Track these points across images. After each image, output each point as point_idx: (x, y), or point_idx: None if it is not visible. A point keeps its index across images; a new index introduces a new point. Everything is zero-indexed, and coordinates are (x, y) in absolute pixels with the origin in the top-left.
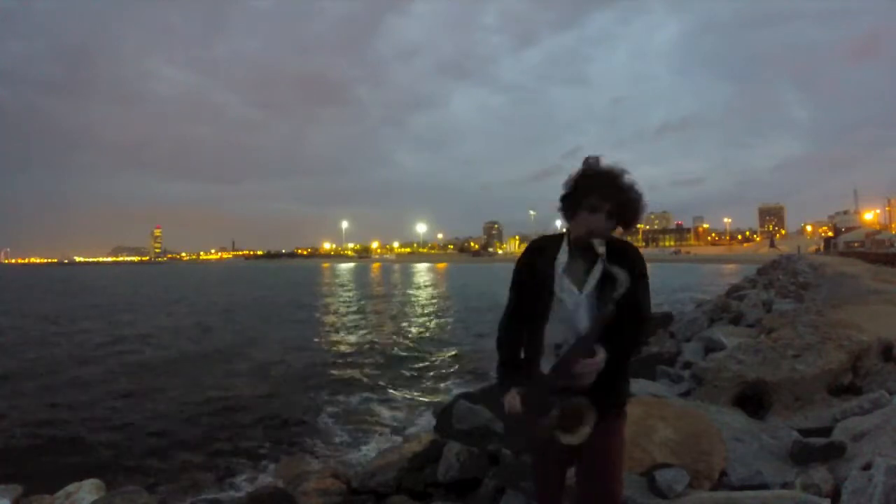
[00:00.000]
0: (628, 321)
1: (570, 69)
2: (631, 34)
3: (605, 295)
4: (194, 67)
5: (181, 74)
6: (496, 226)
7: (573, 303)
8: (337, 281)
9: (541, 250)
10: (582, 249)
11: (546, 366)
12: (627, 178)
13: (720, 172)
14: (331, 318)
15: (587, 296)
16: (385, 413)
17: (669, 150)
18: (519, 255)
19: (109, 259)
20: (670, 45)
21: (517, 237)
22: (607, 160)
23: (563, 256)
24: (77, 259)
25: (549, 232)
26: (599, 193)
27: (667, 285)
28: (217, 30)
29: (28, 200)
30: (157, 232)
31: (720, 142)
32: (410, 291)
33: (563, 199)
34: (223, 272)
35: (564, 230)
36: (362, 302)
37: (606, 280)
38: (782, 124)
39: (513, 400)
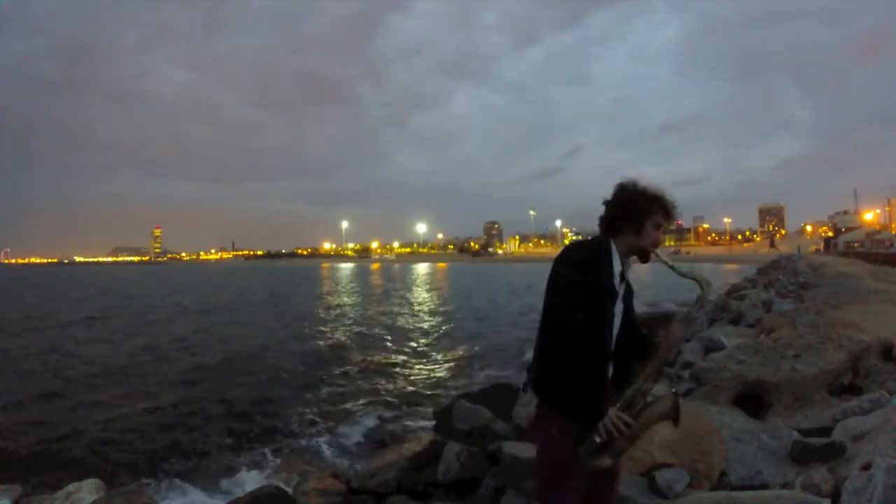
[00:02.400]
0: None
1: (571, 68)
2: (632, 33)
3: (628, 298)
4: (194, 66)
5: (181, 73)
6: (496, 226)
7: (616, 309)
8: (337, 281)
9: (600, 263)
10: (625, 260)
11: (609, 369)
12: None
13: (721, 172)
14: (330, 320)
15: (622, 301)
16: (385, 413)
17: (671, 150)
18: (519, 255)
19: (109, 259)
20: (672, 44)
21: (517, 237)
22: (644, 181)
23: (618, 267)
24: (77, 259)
25: (550, 232)
26: (664, 213)
27: (666, 285)
28: (217, 28)
29: (28, 200)
30: (157, 232)
31: (722, 141)
32: (410, 292)
33: (625, 214)
34: (223, 273)
35: (604, 240)
36: (362, 303)
37: (628, 286)
38: (783, 124)
39: (618, 415)
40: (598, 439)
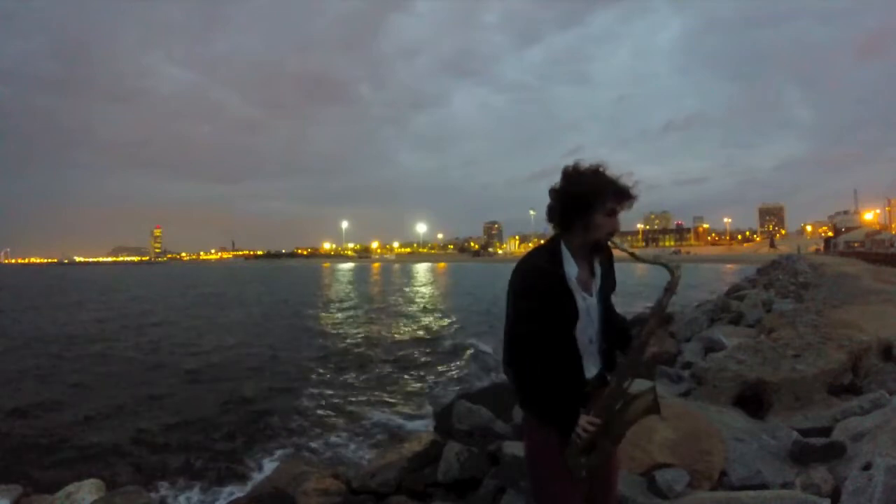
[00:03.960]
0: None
1: (572, 68)
2: (634, 33)
3: (604, 290)
4: (194, 65)
5: (181, 72)
6: (496, 226)
7: (586, 306)
8: (337, 281)
9: (547, 274)
10: (584, 254)
11: (591, 369)
12: (622, 176)
13: (722, 172)
14: (330, 320)
15: (596, 296)
16: (385, 413)
17: (672, 150)
18: (519, 255)
19: (109, 259)
20: (673, 43)
21: (517, 237)
22: (585, 162)
23: (571, 269)
24: (77, 259)
25: (550, 232)
26: (615, 196)
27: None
28: (217, 27)
29: (28, 200)
30: (157, 232)
31: (722, 141)
32: (411, 292)
33: (569, 208)
34: (223, 273)
35: (553, 240)
36: (362, 303)
37: (604, 277)
38: (784, 124)
39: (589, 420)
40: (578, 443)
